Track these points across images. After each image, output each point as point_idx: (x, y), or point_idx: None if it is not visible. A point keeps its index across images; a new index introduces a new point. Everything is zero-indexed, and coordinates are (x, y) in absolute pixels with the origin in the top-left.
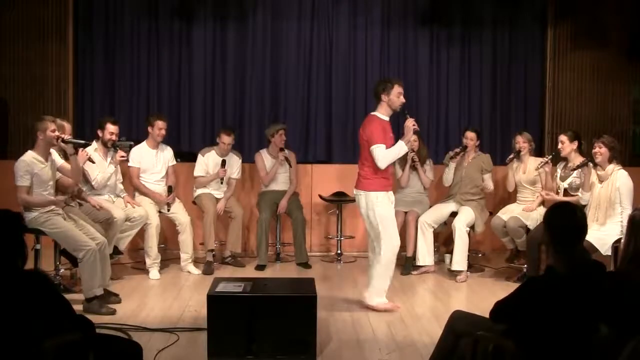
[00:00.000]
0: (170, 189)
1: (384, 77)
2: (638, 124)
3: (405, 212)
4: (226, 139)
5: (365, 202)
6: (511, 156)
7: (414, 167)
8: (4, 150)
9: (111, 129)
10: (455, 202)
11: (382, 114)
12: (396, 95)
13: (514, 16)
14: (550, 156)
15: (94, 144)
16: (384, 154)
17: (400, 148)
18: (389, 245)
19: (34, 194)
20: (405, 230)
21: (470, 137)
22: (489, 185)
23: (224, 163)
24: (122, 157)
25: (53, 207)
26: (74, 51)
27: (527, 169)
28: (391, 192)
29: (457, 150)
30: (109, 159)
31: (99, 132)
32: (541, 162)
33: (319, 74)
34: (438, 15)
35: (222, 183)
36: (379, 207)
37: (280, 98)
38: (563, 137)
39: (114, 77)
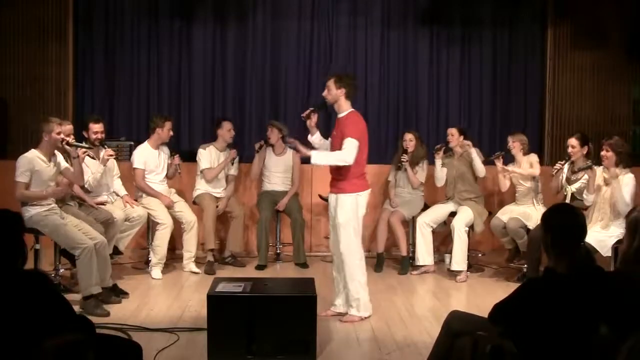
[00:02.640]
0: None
1: None
2: (638, 124)
3: (392, 212)
4: (228, 125)
5: None
6: (497, 153)
7: (399, 167)
8: (4, 150)
9: (94, 128)
10: (453, 202)
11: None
12: None
13: (514, 16)
14: (564, 162)
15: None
16: None
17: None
18: None
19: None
20: (386, 230)
21: (451, 132)
22: (480, 169)
23: (230, 146)
24: (110, 155)
25: (51, 205)
26: (74, 51)
27: (522, 165)
28: (332, 195)
29: (438, 146)
30: (100, 158)
31: (84, 134)
32: (555, 170)
33: (319, 74)
34: (438, 15)
35: (232, 164)
36: None
37: (280, 98)
38: (574, 142)
39: (114, 77)
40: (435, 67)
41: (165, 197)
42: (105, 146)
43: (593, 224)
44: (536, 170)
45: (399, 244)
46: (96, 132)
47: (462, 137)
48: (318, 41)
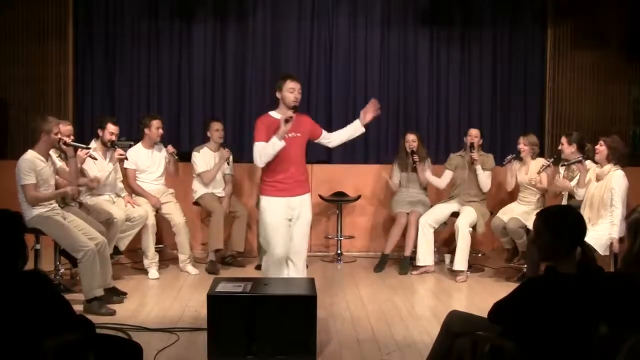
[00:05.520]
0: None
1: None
2: (638, 124)
3: (407, 213)
4: (217, 125)
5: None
6: (509, 157)
7: (414, 168)
8: (4, 150)
9: (112, 129)
10: (457, 202)
11: (278, 112)
12: (288, 91)
13: (514, 16)
14: (552, 159)
15: (93, 143)
16: (258, 151)
17: (274, 144)
18: (268, 255)
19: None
20: (406, 231)
21: (473, 134)
22: (484, 182)
23: (223, 146)
24: (121, 155)
25: (53, 205)
26: (74, 51)
27: (529, 170)
28: (291, 198)
29: (462, 153)
30: (107, 158)
31: (99, 132)
32: (542, 166)
33: (319, 74)
34: (438, 15)
35: (228, 164)
36: (264, 214)
37: None
38: (563, 139)
39: (114, 77)
40: (435, 67)
41: (154, 197)
42: (117, 146)
43: (586, 222)
44: (544, 184)
45: (407, 244)
46: (112, 133)
47: (481, 141)
48: (318, 41)
